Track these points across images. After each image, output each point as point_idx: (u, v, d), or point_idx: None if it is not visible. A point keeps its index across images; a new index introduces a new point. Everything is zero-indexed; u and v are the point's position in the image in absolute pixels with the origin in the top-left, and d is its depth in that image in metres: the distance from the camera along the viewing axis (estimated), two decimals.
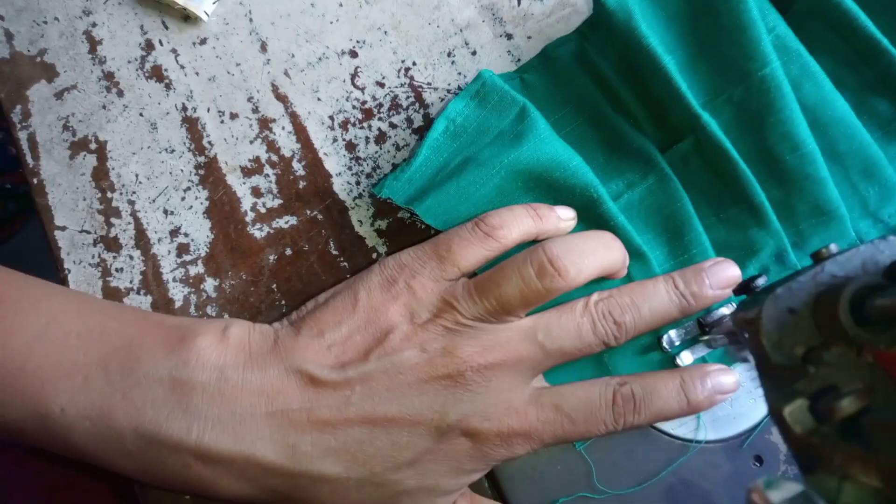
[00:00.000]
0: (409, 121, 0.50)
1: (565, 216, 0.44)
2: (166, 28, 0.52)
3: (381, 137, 0.50)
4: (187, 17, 0.52)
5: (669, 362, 0.45)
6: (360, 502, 0.39)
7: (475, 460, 0.40)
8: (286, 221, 0.49)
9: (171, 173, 0.50)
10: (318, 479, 0.38)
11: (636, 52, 0.45)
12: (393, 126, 0.50)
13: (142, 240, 0.49)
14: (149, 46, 0.52)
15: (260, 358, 0.40)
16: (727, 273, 0.43)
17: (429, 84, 0.51)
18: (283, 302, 0.48)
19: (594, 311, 0.41)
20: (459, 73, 0.51)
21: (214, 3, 0.51)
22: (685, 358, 0.45)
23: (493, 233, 0.42)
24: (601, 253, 0.42)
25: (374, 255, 0.49)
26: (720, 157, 0.44)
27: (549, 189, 0.45)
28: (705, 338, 0.45)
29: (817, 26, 0.46)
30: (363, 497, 0.39)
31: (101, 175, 0.50)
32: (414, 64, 0.51)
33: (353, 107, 0.51)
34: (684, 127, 0.45)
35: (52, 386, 0.38)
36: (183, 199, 0.50)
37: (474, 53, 0.51)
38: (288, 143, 0.50)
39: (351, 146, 0.50)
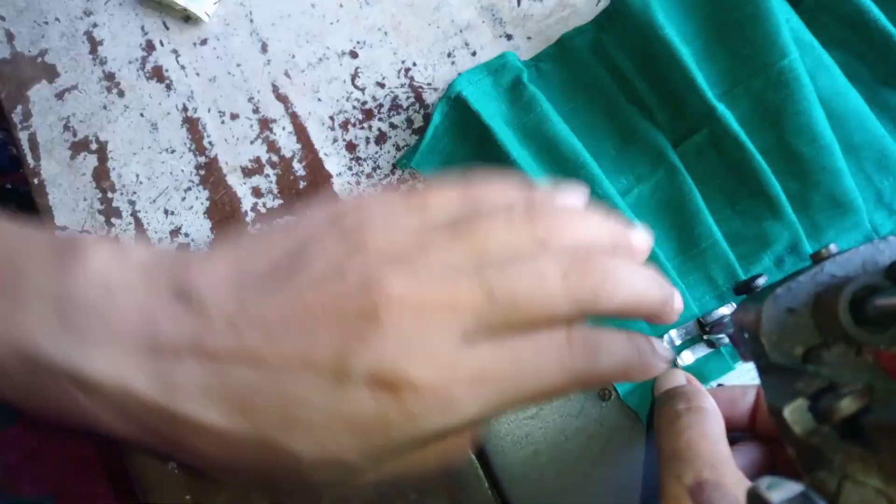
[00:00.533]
0: (410, 121, 0.50)
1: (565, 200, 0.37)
2: (167, 29, 0.52)
3: (381, 138, 0.50)
4: (188, 18, 0.52)
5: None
6: (250, 462, 0.31)
7: (384, 426, 0.30)
8: (286, 221, 0.49)
9: (171, 173, 0.50)
10: (194, 424, 0.30)
11: (653, 43, 0.45)
12: (393, 126, 0.50)
13: (142, 240, 0.49)
14: (150, 47, 0.52)
15: (154, 279, 0.33)
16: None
17: (429, 84, 0.51)
18: None
19: (566, 258, 0.32)
20: (459, 74, 0.51)
21: (215, 3, 0.51)
22: (686, 358, 0.45)
23: (474, 193, 0.36)
24: (590, 226, 0.35)
25: None
26: (735, 149, 0.45)
27: (559, 173, 0.46)
28: (705, 338, 0.45)
29: (829, 20, 0.46)
30: (252, 458, 0.31)
31: (101, 175, 0.50)
32: (414, 64, 0.51)
33: (354, 107, 0.51)
34: (700, 118, 0.46)
35: None
36: (183, 199, 0.50)
37: (474, 54, 0.51)
38: (288, 144, 0.50)
39: (351, 146, 0.50)
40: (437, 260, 0.32)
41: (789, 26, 0.45)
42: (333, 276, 0.31)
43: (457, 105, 0.48)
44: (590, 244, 0.34)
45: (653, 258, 0.45)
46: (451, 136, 0.49)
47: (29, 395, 0.33)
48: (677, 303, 0.35)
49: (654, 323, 0.36)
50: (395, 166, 0.50)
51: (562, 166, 0.46)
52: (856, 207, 0.45)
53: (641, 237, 0.35)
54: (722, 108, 0.44)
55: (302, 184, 0.50)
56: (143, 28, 0.52)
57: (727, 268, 0.45)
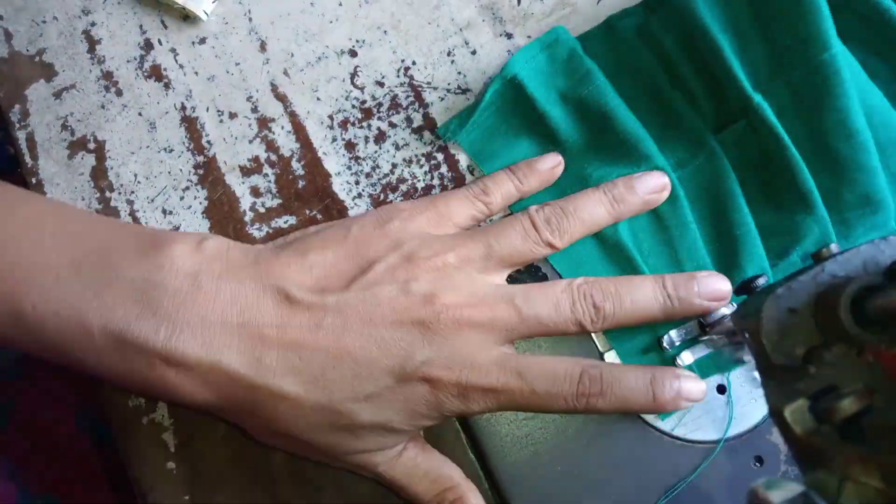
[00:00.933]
0: (409, 120, 0.50)
1: (547, 166, 0.47)
2: (165, 27, 0.52)
3: (380, 137, 0.50)
4: (186, 17, 0.52)
5: (670, 364, 0.45)
6: (314, 424, 0.39)
7: (430, 406, 0.39)
8: (285, 221, 0.49)
9: (169, 173, 0.50)
10: (277, 395, 0.38)
11: (693, 29, 0.45)
12: (392, 125, 0.50)
13: None
14: (148, 46, 0.52)
15: (237, 270, 0.40)
16: (717, 286, 0.43)
17: (428, 83, 0.51)
18: None
19: (576, 290, 0.42)
20: (459, 73, 0.51)
21: (214, 2, 0.51)
22: (685, 358, 0.45)
23: (481, 197, 0.45)
24: (590, 212, 0.44)
25: None
26: (772, 141, 0.44)
27: (609, 153, 0.47)
28: (706, 338, 0.45)
29: (847, 17, 0.46)
30: (317, 420, 0.39)
31: (99, 175, 0.50)
32: (413, 63, 0.51)
33: (353, 106, 0.51)
34: (739, 108, 0.45)
35: (25, 284, 0.38)
36: (182, 198, 0.50)
37: (474, 53, 0.51)
38: (287, 143, 0.50)
39: (350, 146, 0.50)
40: (479, 269, 0.42)
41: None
42: (397, 286, 0.40)
43: (512, 86, 0.48)
44: (588, 232, 0.45)
45: (690, 243, 0.46)
46: (499, 115, 0.49)
47: (115, 370, 0.38)
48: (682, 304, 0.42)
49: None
50: (394, 166, 0.50)
51: (616, 142, 0.46)
52: (886, 206, 0.44)
53: None
54: (759, 99, 0.44)
55: (301, 183, 0.50)
56: (141, 27, 0.52)
57: (757, 258, 0.45)
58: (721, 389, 0.45)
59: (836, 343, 0.29)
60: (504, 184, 0.46)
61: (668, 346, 0.45)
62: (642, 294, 0.42)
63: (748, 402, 0.45)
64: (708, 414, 0.45)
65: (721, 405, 0.45)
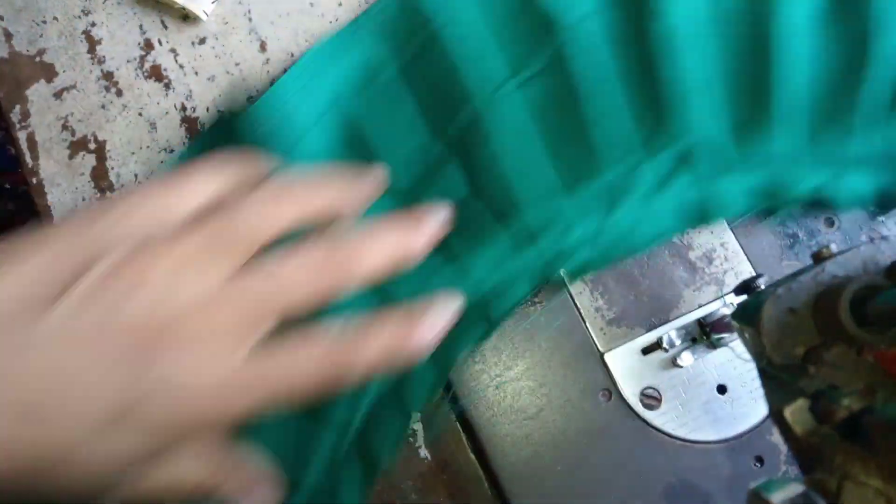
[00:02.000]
0: None
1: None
2: (165, 28, 0.52)
3: None
4: (186, 17, 0.52)
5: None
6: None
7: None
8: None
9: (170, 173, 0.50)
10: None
11: None
12: None
13: None
14: (148, 46, 0.52)
15: None
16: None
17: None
18: None
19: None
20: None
21: (213, 2, 0.51)
22: (685, 359, 0.45)
23: None
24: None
25: None
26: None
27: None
28: (705, 338, 0.45)
29: None
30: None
31: (100, 175, 0.50)
32: None
33: None
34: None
35: None
36: None
37: None
38: None
39: None
40: (194, 285, 0.31)
41: None
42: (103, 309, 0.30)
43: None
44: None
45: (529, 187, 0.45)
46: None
47: None
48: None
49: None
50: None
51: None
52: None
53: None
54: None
55: None
56: (141, 27, 0.52)
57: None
58: (722, 389, 0.45)
59: (835, 343, 0.29)
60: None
61: (667, 346, 0.45)
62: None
63: (749, 402, 0.45)
64: (708, 414, 0.45)
65: (721, 405, 0.45)
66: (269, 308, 0.32)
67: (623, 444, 0.45)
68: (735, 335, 0.44)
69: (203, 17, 0.51)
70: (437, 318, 0.32)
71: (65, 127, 0.51)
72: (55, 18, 0.53)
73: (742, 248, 0.48)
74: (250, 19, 0.52)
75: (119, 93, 0.51)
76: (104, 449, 0.30)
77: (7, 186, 1.28)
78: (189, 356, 0.30)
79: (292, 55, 0.51)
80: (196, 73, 0.51)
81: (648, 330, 0.46)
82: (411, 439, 0.47)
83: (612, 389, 0.46)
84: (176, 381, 0.30)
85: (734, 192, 0.44)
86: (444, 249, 0.42)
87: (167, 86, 0.51)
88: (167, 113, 0.51)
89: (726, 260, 0.47)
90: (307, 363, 0.31)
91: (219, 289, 0.31)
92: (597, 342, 0.46)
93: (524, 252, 0.44)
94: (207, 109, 0.51)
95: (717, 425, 0.45)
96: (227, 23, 0.52)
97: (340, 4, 0.52)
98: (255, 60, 0.51)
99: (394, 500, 0.46)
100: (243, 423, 0.32)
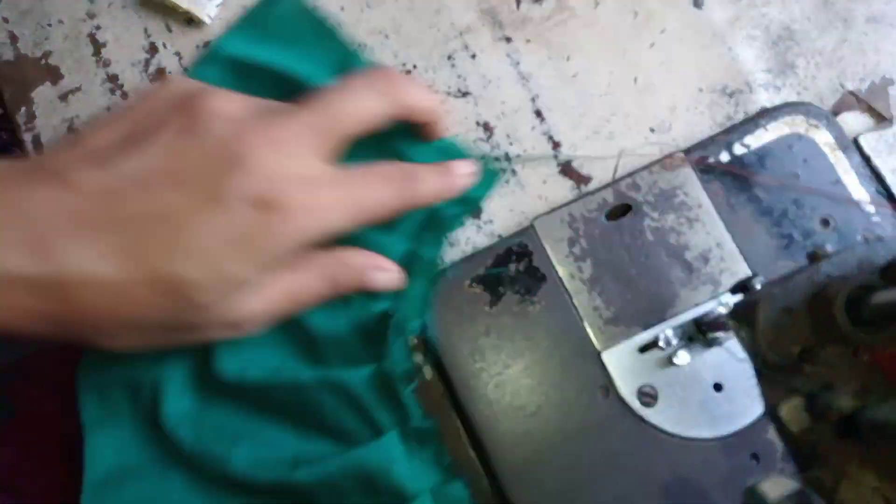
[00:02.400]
0: None
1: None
2: (170, 31, 0.53)
3: None
4: (190, 21, 0.52)
5: None
6: (150, 309, 0.33)
7: (262, 236, 0.34)
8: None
9: None
10: (90, 285, 0.31)
11: None
12: None
13: None
14: (152, 49, 0.52)
15: (13, 175, 0.34)
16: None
17: (429, 87, 0.51)
18: None
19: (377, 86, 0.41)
20: (459, 76, 0.51)
21: (217, 6, 0.52)
22: (682, 358, 0.45)
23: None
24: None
25: None
26: None
27: None
28: (702, 337, 0.45)
29: None
30: (153, 304, 0.33)
31: None
32: (414, 67, 0.52)
33: None
34: None
35: None
36: None
37: (474, 56, 0.52)
38: None
39: None
40: (277, 109, 0.38)
41: None
42: (188, 138, 0.35)
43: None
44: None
45: None
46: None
47: None
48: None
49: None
50: None
51: None
52: None
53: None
54: None
55: None
56: (145, 30, 0.53)
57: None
58: (718, 387, 0.46)
59: (831, 342, 0.30)
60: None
61: (664, 345, 0.45)
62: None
63: (745, 401, 0.46)
64: (704, 412, 0.45)
65: (719, 403, 0.46)
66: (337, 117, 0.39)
67: (620, 441, 0.46)
68: (731, 334, 0.44)
69: (207, 20, 0.51)
70: (466, 167, 0.46)
71: (70, 129, 0.51)
72: (60, 21, 0.53)
73: (738, 248, 0.48)
74: None
75: (124, 95, 0.52)
76: (226, 268, 0.34)
77: None
78: (277, 154, 0.35)
79: None
80: None
81: (645, 329, 0.47)
82: None
83: (609, 387, 0.46)
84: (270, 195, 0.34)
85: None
86: None
87: None
88: None
89: (722, 260, 0.48)
90: (385, 183, 0.40)
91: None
92: (594, 341, 0.47)
93: None
94: None
95: (714, 423, 0.45)
96: (230, 27, 0.52)
97: (343, 9, 0.52)
98: None
99: None
100: (338, 237, 0.39)
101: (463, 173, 0.45)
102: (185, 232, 0.33)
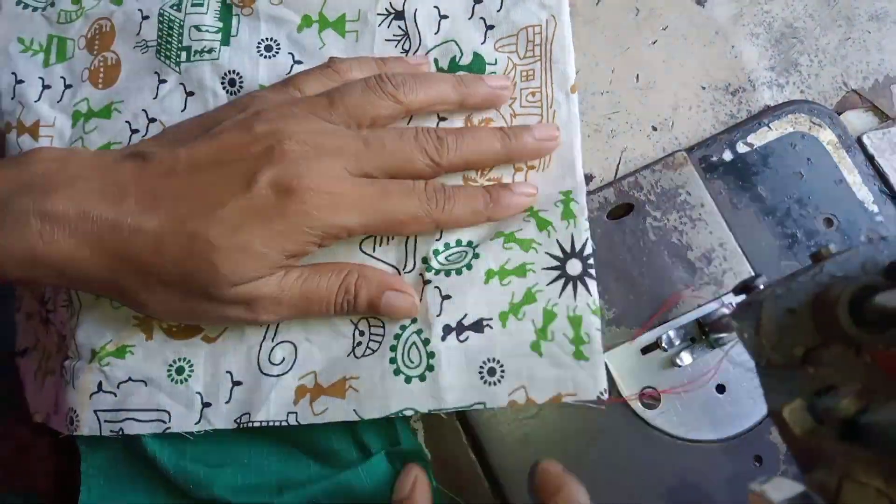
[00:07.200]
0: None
1: (415, 61, 0.48)
2: None
3: None
4: None
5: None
6: (175, 256, 0.40)
7: (285, 219, 0.39)
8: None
9: None
10: (137, 231, 0.39)
11: None
12: None
13: None
14: None
15: (101, 153, 0.45)
16: (549, 132, 0.45)
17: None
18: None
19: (419, 129, 0.44)
20: None
21: None
22: (685, 359, 0.45)
23: (333, 76, 0.46)
24: (436, 87, 0.45)
25: None
26: None
27: None
28: (704, 338, 0.45)
29: None
30: (177, 251, 0.39)
31: None
32: None
33: None
34: None
35: None
36: None
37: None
38: None
39: None
40: (324, 117, 0.42)
41: None
42: (241, 129, 0.41)
43: None
44: (435, 102, 0.46)
45: None
46: None
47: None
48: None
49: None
50: None
51: None
52: None
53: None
54: None
55: None
56: None
57: None
58: (720, 389, 0.45)
59: (834, 343, 0.29)
60: (363, 63, 0.47)
61: (666, 346, 0.45)
62: (481, 136, 0.45)
63: (747, 402, 0.45)
64: (707, 414, 0.45)
65: (720, 405, 0.45)
66: (375, 148, 0.42)
67: (622, 443, 0.45)
68: (734, 335, 0.44)
69: None
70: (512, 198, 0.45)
71: None
72: None
73: (741, 248, 0.48)
74: None
75: None
76: (225, 237, 0.39)
77: None
78: (309, 163, 0.40)
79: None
80: None
81: (647, 330, 0.47)
82: None
83: (611, 389, 0.46)
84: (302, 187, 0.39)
85: None
86: None
87: None
88: None
89: (725, 260, 0.48)
90: (413, 197, 0.42)
91: (339, 127, 0.43)
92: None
93: None
94: None
95: (716, 425, 0.45)
96: None
97: None
98: None
99: None
100: (355, 234, 0.42)
101: (507, 204, 0.44)
102: (218, 205, 0.39)
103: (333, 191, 0.40)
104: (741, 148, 0.49)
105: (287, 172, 0.39)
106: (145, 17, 0.51)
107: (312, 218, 0.40)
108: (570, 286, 0.40)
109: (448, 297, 0.42)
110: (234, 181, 0.40)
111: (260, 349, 0.44)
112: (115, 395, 0.44)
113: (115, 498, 0.46)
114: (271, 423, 0.42)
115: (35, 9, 0.53)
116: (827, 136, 0.49)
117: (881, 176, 0.49)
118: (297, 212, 0.39)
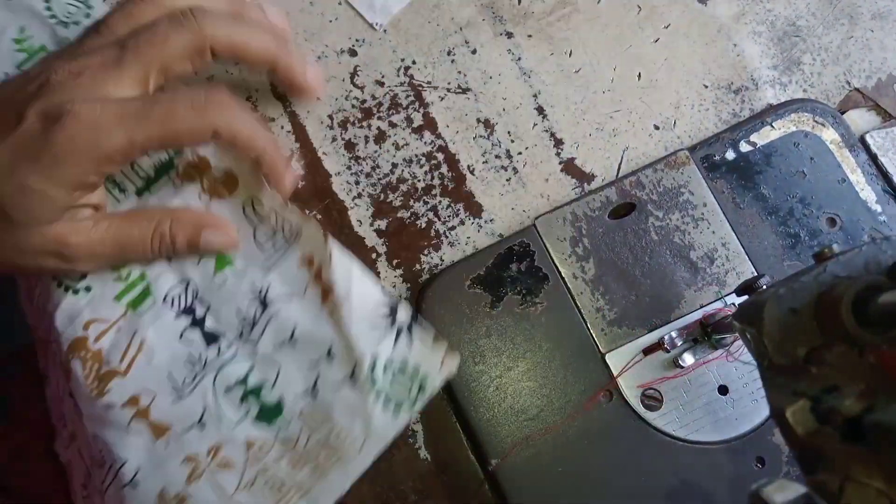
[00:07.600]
0: (409, 120, 0.50)
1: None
2: None
3: (380, 136, 0.50)
4: None
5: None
6: None
7: (51, 151, 0.38)
8: None
9: None
10: None
11: None
12: (392, 125, 0.50)
13: None
14: None
15: None
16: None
17: (429, 83, 0.51)
18: None
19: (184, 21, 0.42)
20: (459, 72, 0.51)
21: None
22: (687, 359, 0.45)
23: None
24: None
25: (374, 255, 0.49)
26: None
27: None
28: (707, 339, 0.45)
29: None
30: None
31: None
32: (413, 63, 0.51)
33: (353, 106, 0.51)
34: None
35: None
36: None
37: (474, 52, 0.51)
38: (287, 143, 0.50)
39: (350, 145, 0.50)
40: (90, 46, 0.41)
41: None
42: (23, 75, 0.41)
43: None
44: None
45: None
46: None
47: None
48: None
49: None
50: (394, 165, 0.50)
51: None
52: None
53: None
54: None
55: (300, 183, 0.49)
56: None
57: None
58: (723, 390, 0.45)
59: (837, 343, 0.29)
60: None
61: (669, 347, 0.45)
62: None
63: (750, 404, 0.45)
64: (709, 415, 0.45)
65: (723, 406, 0.45)
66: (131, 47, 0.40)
67: (624, 445, 0.45)
68: (736, 335, 0.44)
69: None
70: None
71: None
72: None
73: (744, 248, 0.47)
74: None
75: None
76: (20, 177, 0.38)
77: None
78: (74, 90, 0.39)
79: None
80: (196, 73, 0.51)
81: (650, 330, 0.46)
82: (411, 440, 0.47)
83: (612, 390, 0.46)
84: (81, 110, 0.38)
85: None
86: None
87: None
88: None
89: (728, 260, 0.47)
90: (171, 107, 0.39)
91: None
92: (598, 343, 0.46)
93: None
94: None
95: (719, 426, 0.45)
96: None
97: (340, 3, 0.52)
98: None
99: (394, 500, 0.46)
100: (131, 156, 0.40)
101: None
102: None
103: (95, 112, 0.38)
104: (744, 147, 0.49)
105: (52, 101, 0.38)
106: None
107: (77, 143, 0.38)
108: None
109: None
110: (8, 121, 0.38)
111: None
112: None
113: None
114: None
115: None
116: (830, 135, 0.49)
117: (884, 175, 0.48)
118: (62, 140, 0.38)
